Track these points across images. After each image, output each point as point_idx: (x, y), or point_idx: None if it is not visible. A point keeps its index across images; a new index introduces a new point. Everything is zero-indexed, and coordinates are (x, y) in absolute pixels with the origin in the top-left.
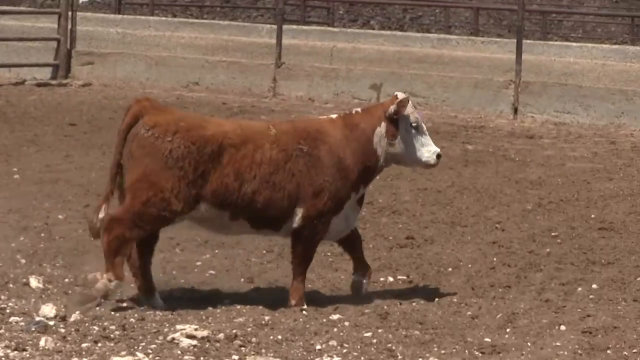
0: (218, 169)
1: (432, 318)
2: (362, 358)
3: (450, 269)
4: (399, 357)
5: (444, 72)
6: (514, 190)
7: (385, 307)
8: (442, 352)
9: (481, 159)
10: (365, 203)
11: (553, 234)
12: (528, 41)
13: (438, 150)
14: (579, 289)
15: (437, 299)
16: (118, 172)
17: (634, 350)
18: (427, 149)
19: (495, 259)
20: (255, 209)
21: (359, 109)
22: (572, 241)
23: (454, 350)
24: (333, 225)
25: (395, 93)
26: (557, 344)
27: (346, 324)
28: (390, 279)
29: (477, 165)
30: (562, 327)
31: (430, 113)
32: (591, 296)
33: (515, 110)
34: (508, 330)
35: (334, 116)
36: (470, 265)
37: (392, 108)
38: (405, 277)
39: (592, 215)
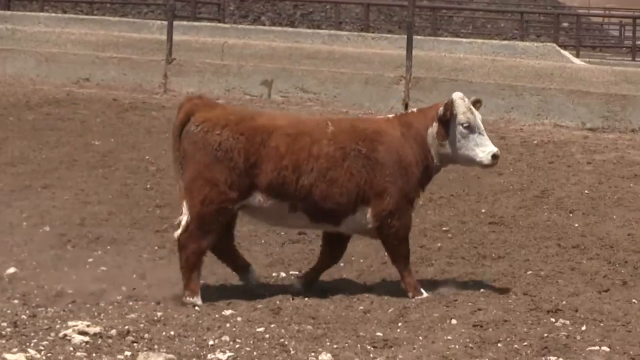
0: (272, 160)
1: (325, 313)
2: (255, 353)
3: (342, 264)
4: (292, 352)
5: (335, 68)
6: None
7: (278, 302)
8: (335, 346)
9: None
10: None
11: (444, 228)
12: (418, 37)
13: (495, 150)
14: (470, 283)
15: (329, 294)
16: (178, 168)
17: (524, 344)
18: (482, 149)
19: (386, 254)
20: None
21: (414, 110)
22: (463, 235)
23: (347, 344)
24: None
25: (454, 94)
26: (449, 337)
27: (239, 319)
28: (283, 274)
29: None
30: (454, 321)
31: (321, 109)
32: (482, 290)
33: (406, 106)
34: (400, 324)
35: (390, 116)
36: (362, 260)
37: (441, 109)
38: (297, 273)
39: (483, 210)
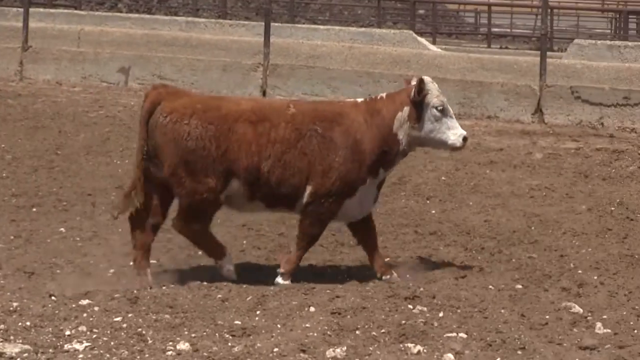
0: (242, 147)
1: (183, 301)
2: (112, 343)
3: (200, 253)
4: (149, 341)
5: (193, 55)
6: None
7: (135, 291)
8: (193, 335)
9: None
10: (115, 187)
11: None
12: (276, 24)
13: (464, 133)
14: (329, 270)
15: (187, 283)
16: (143, 159)
17: (382, 331)
18: (453, 132)
19: (245, 242)
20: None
21: (384, 95)
22: None
23: (205, 333)
24: (346, 208)
25: (421, 77)
26: (307, 325)
27: (96, 309)
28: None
29: None
30: (312, 309)
31: None
32: (340, 277)
33: (264, 93)
34: (258, 312)
35: (359, 100)
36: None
37: (413, 91)
38: (155, 262)
39: None
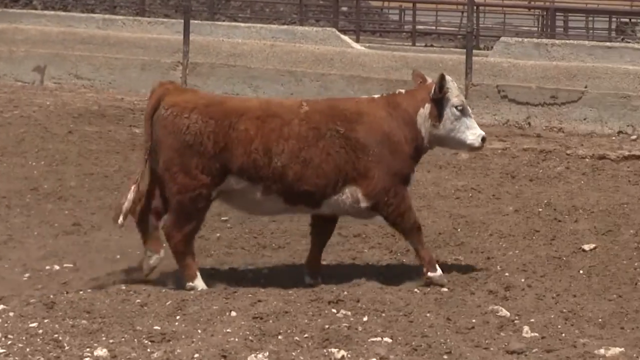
0: (242, 143)
1: (100, 307)
2: (28, 349)
3: (118, 256)
4: (66, 347)
5: (110, 54)
6: None
7: (52, 296)
8: (111, 341)
9: None
10: (30, 189)
11: (223, 218)
12: (196, 21)
13: (483, 133)
14: (250, 274)
15: (105, 287)
16: (149, 156)
17: (305, 335)
18: (472, 132)
19: (165, 245)
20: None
21: (402, 90)
22: (243, 226)
23: (123, 339)
24: None
25: (442, 73)
26: (228, 330)
27: (11, 314)
28: (57, 267)
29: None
30: (233, 313)
31: (96, 96)
32: (262, 281)
33: None
34: (178, 317)
35: (376, 96)
36: (139, 252)
37: (434, 88)
38: (71, 265)
39: None
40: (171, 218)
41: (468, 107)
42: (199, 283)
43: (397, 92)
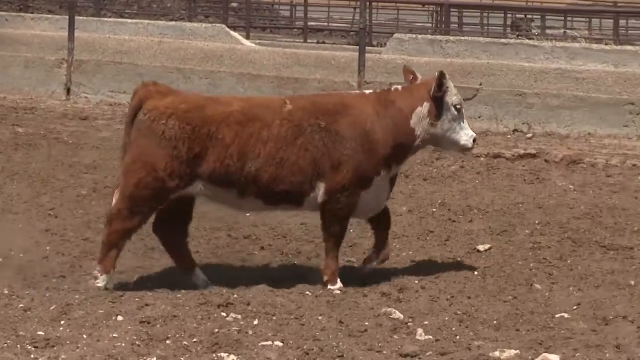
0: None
1: None
2: None
3: (0, 260)
4: None
5: None
6: (67, 175)
7: None
8: None
9: (33, 143)
10: None
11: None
12: (81, 18)
13: (475, 134)
14: (137, 277)
15: None
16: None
17: (194, 340)
18: (466, 133)
19: (49, 248)
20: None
21: (399, 86)
22: None
23: (6, 345)
24: (363, 202)
25: (442, 71)
26: (115, 335)
27: None
28: None
29: (29, 149)
30: (120, 318)
31: None
32: (150, 284)
33: (68, 91)
34: (63, 322)
35: (368, 92)
36: (22, 255)
37: (434, 86)
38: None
39: None
40: (118, 207)
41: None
42: (103, 281)
43: (393, 89)
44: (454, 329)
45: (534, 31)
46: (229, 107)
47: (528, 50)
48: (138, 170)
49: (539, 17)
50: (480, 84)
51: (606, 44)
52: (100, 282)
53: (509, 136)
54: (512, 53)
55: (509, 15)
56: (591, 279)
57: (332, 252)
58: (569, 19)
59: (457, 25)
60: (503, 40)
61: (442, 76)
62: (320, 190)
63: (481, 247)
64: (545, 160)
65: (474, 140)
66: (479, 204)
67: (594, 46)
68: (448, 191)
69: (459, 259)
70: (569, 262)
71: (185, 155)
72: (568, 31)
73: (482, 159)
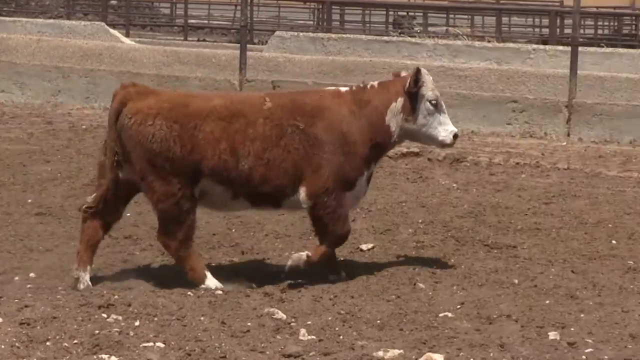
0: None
1: None
2: None
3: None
4: None
5: None
6: None
7: None
8: None
9: None
10: None
11: None
12: None
13: (455, 130)
14: (16, 278)
15: None
16: (115, 161)
17: (75, 341)
18: (444, 128)
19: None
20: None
21: (374, 83)
22: (8, 227)
23: None
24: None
25: (417, 67)
26: None
27: None
28: None
29: None
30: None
31: None
32: (29, 285)
33: None
34: None
35: (343, 89)
36: None
37: (409, 81)
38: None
39: (29, 200)
40: (160, 228)
41: (442, 103)
42: (211, 283)
43: (369, 86)
44: (337, 328)
45: (416, 28)
46: (210, 102)
47: (410, 48)
48: (152, 184)
49: (421, 14)
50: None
51: (488, 41)
52: (211, 286)
53: None
54: (394, 50)
55: (391, 13)
56: (475, 277)
57: (327, 249)
58: (451, 16)
59: (338, 23)
60: (385, 38)
61: (417, 72)
62: (301, 194)
63: (364, 246)
64: (428, 159)
65: (455, 136)
66: (361, 203)
67: (477, 43)
68: None
69: (342, 258)
70: (452, 260)
71: (180, 154)
72: (450, 28)
73: None
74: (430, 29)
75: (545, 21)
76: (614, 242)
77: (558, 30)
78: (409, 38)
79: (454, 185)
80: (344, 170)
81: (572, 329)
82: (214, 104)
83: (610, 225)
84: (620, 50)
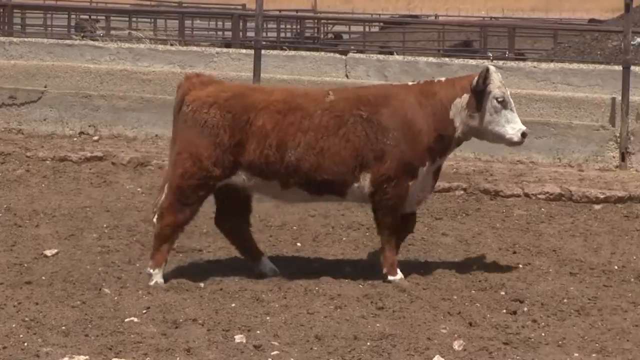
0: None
1: None
2: None
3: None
4: None
5: None
6: None
7: None
8: None
9: None
10: None
11: None
12: None
13: (524, 128)
14: None
15: None
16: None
17: None
18: (512, 126)
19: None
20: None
21: (442, 79)
22: None
23: None
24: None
25: (486, 65)
26: None
27: None
28: None
29: None
30: None
31: None
32: None
33: None
34: None
35: (410, 83)
36: None
37: (475, 79)
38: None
39: None
40: (167, 200)
41: (511, 100)
42: (158, 275)
43: (436, 80)
44: (21, 335)
45: (98, 32)
46: (270, 96)
47: (93, 51)
48: (184, 160)
49: (104, 17)
50: (45, 86)
51: (172, 45)
52: (155, 278)
53: (75, 139)
54: (77, 54)
55: (73, 16)
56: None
57: (387, 244)
58: (134, 19)
59: (20, 27)
60: (67, 41)
61: (486, 71)
62: (366, 181)
63: (48, 252)
64: (112, 163)
65: (523, 135)
66: (45, 208)
67: (160, 47)
68: (14, 195)
69: (25, 265)
70: (137, 265)
71: (227, 143)
72: (133, 32)
73: (47, 162)
74: (113, 32)
75: (228, 24)
76: (298, 244)
77: (241, 33)
78: (92, 42)
79: (139, 189)
80: (407, 157)
81: (258, 332)
82: (273, 97)
83: (294, 227)
84: (303, 53)
